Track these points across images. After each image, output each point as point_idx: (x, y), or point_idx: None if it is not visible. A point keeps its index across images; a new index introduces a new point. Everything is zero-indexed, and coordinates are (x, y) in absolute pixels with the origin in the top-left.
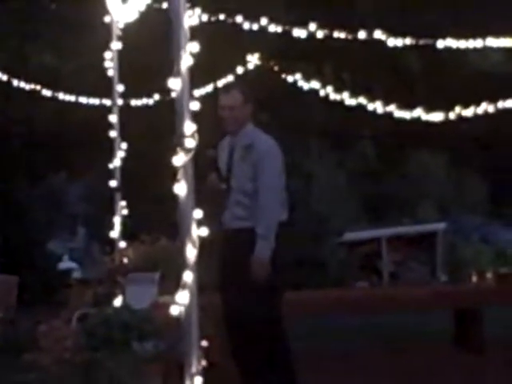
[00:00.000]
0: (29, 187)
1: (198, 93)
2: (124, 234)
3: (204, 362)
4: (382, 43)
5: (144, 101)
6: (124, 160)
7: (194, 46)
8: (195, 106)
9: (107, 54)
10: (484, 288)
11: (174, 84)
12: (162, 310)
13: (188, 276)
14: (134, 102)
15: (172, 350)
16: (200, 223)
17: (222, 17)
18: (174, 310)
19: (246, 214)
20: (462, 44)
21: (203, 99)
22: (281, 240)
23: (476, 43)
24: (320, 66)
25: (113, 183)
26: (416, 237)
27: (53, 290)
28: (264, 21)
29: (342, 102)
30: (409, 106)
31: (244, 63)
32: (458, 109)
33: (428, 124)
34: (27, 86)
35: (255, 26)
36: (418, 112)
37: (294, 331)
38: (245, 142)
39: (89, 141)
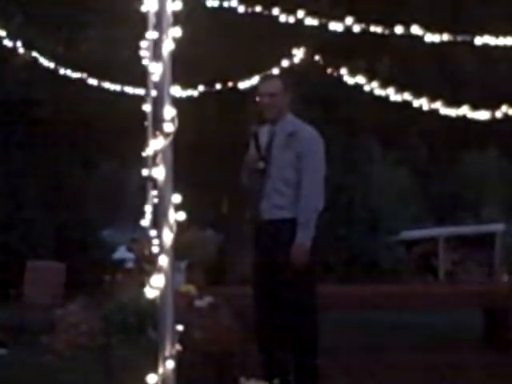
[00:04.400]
0: (83, 175)
1: (242, 85)
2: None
3: (178, 346)
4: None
5: (188, 92)
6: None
7: (176, 31)
8: (176, 91)
9: (143, 43)
10: None
11: (155, 68)
12: (183, 298)
13: (163, 260)
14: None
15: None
16: (178, 208)
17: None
18: (150, 294)
19: (286, 202)
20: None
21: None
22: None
23: None
24: (369, 62)
25: (145, 172)
26: (474, 237)
27: (101, 279)
28: (300, 14)
29: (387, 98)
30: (455, 103)
31: (290, 57)
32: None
33: (475, 122)
34: (74, 75)
35: (291, 19)
36: (464, 110)
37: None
38: (288, 130)
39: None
